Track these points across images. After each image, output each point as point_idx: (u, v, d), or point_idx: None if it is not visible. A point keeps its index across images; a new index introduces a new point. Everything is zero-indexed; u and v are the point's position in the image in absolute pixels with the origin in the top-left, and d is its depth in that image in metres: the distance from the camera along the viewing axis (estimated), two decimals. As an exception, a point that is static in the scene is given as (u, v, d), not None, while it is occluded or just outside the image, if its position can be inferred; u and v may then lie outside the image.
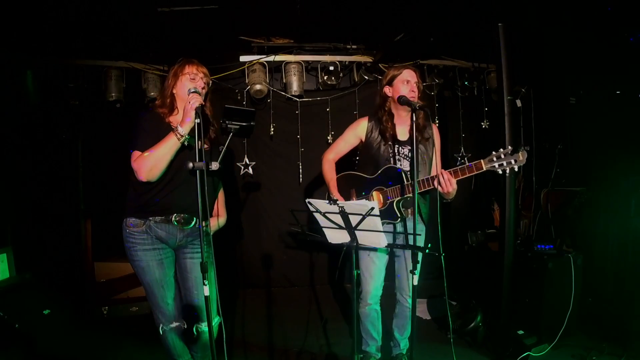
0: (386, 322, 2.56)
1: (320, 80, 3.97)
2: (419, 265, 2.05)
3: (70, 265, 3.75)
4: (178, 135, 1.79)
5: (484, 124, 4.02)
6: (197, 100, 1.76)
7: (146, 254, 1.91)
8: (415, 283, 1.91)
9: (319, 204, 1.89)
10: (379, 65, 3.88)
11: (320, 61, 3.88)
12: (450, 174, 2.01)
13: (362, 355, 2.51)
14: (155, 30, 3.43)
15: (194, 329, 2.03)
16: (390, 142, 2.27)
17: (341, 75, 3.91)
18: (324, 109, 3.94)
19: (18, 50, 3.36)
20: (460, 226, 4.15)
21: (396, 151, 2.26)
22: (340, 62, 3.86)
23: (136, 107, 3.80)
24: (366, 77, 3.90)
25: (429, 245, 1.86)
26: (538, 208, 3.71)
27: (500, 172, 1.94)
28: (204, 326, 2.02)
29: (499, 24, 2.65)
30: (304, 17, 3.31)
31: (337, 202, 1.80)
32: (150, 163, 1.78)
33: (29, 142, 3.58)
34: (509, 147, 1.91)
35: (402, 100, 2.05)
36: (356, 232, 1.90)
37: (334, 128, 3.86)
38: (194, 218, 1.96)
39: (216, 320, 1.94)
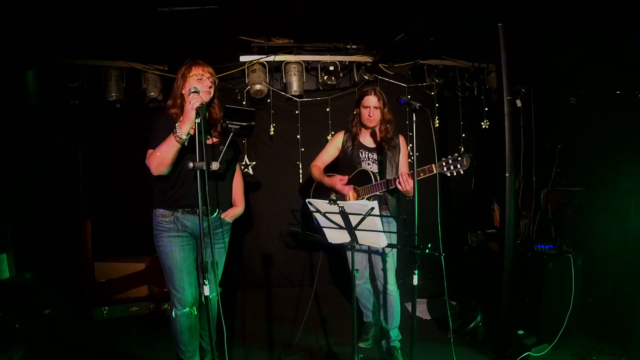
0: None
1: (320, 80, 3.97)
2: (393, 259, 2.56)
3: (70, 265, 3.75)
4: (177, 137, 1.87)
5: (484, 124, 4.02)
6: (197, 100, 1.82)
7: (170, 240, 2.07)
8: (416, 283, 1.94)
9: (319, 204, 1.90)
10: (379, 65, 3.88)
11: (320, 61, 3.88)
12: (409, 175, 2.34)
13: (362, 355, 2.60)
14: (155, 30, 3.43)
15: (202, 298, 2.13)
16: (360, 150, 2.65)
17: (341, 75, 3.91)
18: (324, 109, 3.94)
19: (18, 50, 3.36)
20: (460, 226, 4.15)
21: (366, 157, 2.64)
22: (340, 62, 3.86)
23: (136, 107, 3.80)
24: (366, 77, 3.90)
25: (429, 245, 1.88)
26: (538, 208, 3.71)
27: (449, 174, 2.27)
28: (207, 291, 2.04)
29: (499, 24, 2.65)
30: (304, 17, 3.31)
31: (337, 202, 1.82)
32: (156, 161, 1.93)
33: (29, 142, 3.59)
34: (456, 154, 2.24)
35: (404, 101, 2.19)
36: (356, 232, 1.91)
37: (334, 128, 3.86)
38: (217, 209, 2.16)
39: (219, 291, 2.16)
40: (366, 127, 2.66)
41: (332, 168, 2.80)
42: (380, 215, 2.44)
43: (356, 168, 2.61)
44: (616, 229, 3.02)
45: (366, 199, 2.51)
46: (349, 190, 2.57)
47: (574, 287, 2.75)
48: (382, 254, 2.55)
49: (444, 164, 2.27)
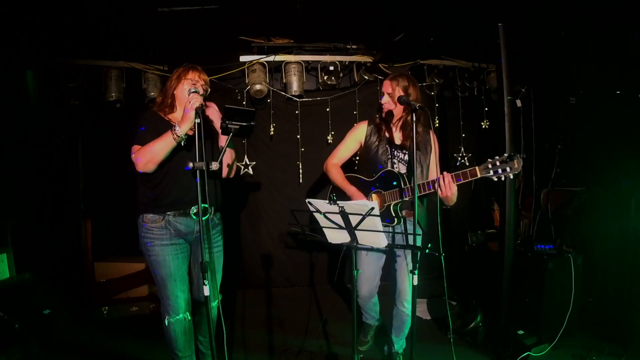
0: (384, 322, 2.70)
1: (320, 80, 3.97)
2: (416, 264, 2.10)
3: (70, 265, 3.75)
4: (175, 135, 1.87)
5: (484, 124, 4.02)
6: (197, 101, 1.83)
7: (163, 249, 1.99)
8: (416, 283, 1.93)
9: (319, 204, 1.89)
10: (379, 65, 3.88)
11: (320, 61, 3.87)
12: (452, 177, 2.00)
13: (362, 355, 2.62)
14: (155, 30, 3.43)
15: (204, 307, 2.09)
16: (387, 146, 2.31)
17: (341, 75, 3.91)
18: (324, 109, 3.94)
19: (18, 50, 3.36)
20: (460, 226, 4.15)
21: (392, 155, 2.30)
22: (340, 62, 3.86)
23: (136, 107, 3.80)
24: (366, 77, 3.90)
25: (429, 245, 1.86)
26: (538, 208, 3.71)
27: (495, 179, 1.94)
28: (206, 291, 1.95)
29: (499, 24, 2.66)
30: (304, 17, 3.31)
31: (337, 202, 1.81)
32: (147, 157, 1.89)
33: (29, 142, 3.58)
34: (505, 155, 1.90)
35: (402, 100, 2.07)
36: (356, 232, 1.91)
37: (334, 128, 3.86)
38: (210, 208, 2.02)
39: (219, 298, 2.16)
40: (383, 119, 2.34)
41: (348, 166, 2.52)
42: (378, 215, 2.41)
43: (381, 168, 2.28)
44: (616, 229, 3.02)
45: (393, 205, 2.24)
46: (373, 195, 2.31)
47: (574, 287, 2.75)
48: (395, 264, 2.34)
49: (490, 166, 1.93)
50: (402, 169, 2.29)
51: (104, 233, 3.91)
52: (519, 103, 3.82)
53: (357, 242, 1.96)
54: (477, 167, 1.96)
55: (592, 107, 3.62)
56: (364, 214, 1.78)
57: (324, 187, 2.60)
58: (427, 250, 1.87)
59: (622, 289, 2.87)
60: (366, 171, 2.36)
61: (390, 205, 2.24)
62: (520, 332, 2.66)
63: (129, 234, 3.79)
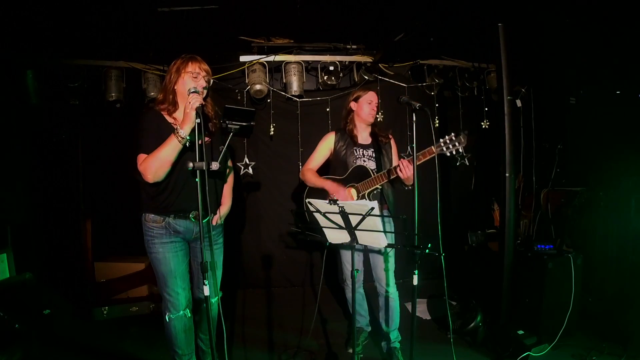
0: (376, 318, 2.76)
1: (320, 80, 3.97)
2: (393, 260, 2.54)
3: (70, 265, 3.75)
4: (179, 137, 1.83)
5: (484, 124, 4.02)
6: (197, 101, 1.80)
7: (163, 247, 2.01)
8: (416, 283, 1.96)
9: (319, 204, 1.90)
10: (379, 65, 3.88)
11: (320, 61, 3.88)
12: (409, 161, 2.36)
13: (362, 355, 2.63)
14: (155, 30, 3.43)
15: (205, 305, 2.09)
16: (355, 147, 2.64)
17: (341, 75, 3.91)
18: (324, 109, 3.94)
19: (18, 50, 3.36)
20: (460, 226, 4.15)
21: (361, 154, 2.63)
22: (340, 62, 3.86)
23: (136, 107, 3.80)
24: (366, 77, 3.90)
25: (429, 245, 1.87)
26: (538, 208, 3.71)
27: (448, 154, 2.34)
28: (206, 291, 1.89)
29: (499, 24, 2.66)
30: (304, 17, 3.31)
31: (337, 202, 1.82)
32: (156, 165, 1.85)
33: (29, 142, 3.58)
34: (453, 133, 2.30)
35: (403, 101, 2.23)
36: (356, 232, 1.91)
37: (334, 128, 3.83)
38: (210, 215, 2.00)
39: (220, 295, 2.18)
40: (362, 124, 2.67)
41: (323, 170, 2.73)
42: (381, 216, 2.45)
43: (351, 166, 2.59)
44: (616, 229, 3.02)
45: (367, 194, 2.51)
46: (348, 192, 2.51)
47: (574, 287, 2.75)
48: (383, 255, 2.51)
49: (442, 144, 2.31)
50: (371, 164, 2.60)
51: (104, 233, 3.91)
52: (519, 103, 3.82)
53: (357, 242, 1.97)
54: (432, 147, 2.33)
55: (592, 107, 3.62)
56: (364, 214, 1.79)
57: (313, 191, 2.67)
58: (427, 250, 1.88)
59: (622, 288, 2.87)
60: (338, 172, 2.64)
61: (365, 194, 2.52)
62: (520, 332, 2.66)
63: (129, 234, 3.82)
